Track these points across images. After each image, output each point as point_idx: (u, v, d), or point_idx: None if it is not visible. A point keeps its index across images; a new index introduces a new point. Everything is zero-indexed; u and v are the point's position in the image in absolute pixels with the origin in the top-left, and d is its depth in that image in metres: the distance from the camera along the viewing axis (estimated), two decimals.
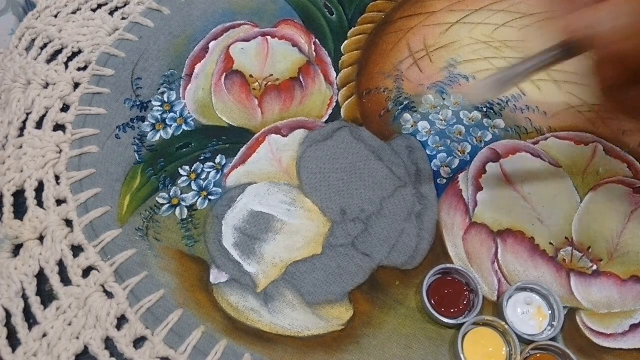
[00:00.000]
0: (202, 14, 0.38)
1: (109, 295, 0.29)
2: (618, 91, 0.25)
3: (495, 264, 0.30)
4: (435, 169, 0.33)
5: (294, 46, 0.37)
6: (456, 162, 0.33)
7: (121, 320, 0.28)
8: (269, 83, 0.36)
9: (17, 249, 0.30)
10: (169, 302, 0.29)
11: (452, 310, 0.28)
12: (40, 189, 0.32)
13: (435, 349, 0.28)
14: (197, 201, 0.32)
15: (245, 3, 0.39)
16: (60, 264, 0.30)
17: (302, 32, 0.38)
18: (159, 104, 0.35)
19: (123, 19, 0.38)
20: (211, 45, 0.37)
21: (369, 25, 0.38)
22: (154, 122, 0.34)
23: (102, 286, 0.29)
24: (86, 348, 0.28)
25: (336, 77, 0.36)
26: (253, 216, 0.31)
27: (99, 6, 0.39)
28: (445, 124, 0.34)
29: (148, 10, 0.38)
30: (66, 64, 0.36)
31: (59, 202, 0.31)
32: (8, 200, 0.31)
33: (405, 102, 0.35)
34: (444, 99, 0.35)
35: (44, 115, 0.34)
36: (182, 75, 0.36)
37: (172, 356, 0.28)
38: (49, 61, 0.36)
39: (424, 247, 0.31)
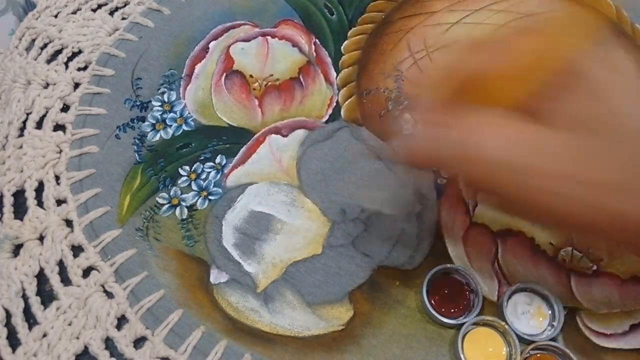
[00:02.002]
0: (202, 14, 0.38)
1: (109, 295, 0.29)
2: None
3: (495, 264, 0.30)
4: (435, 169, 0.33)
5: (294, 46, 0.37)
6: None
7: (121, 320, 0.28)
8: (269, 83, 0.36)
9: (17, 249, 0.30)
10: (169, 302, 0.29)
11: (452, 310, 0.28)
12: (40, 189, 0.32)
13: (436, 349, 0.28)
14: (197, 201, 0.32)
15: (245, 3, 0.39)
16: (60, 264, 0.30)
17: (302, 32, 0.38)
18: (159, 104, 0.35)
19: (123, 19, 0.38)
20: (211, 45, 0.37)
21: (369, 25, 0.38)
22: (154, 122, 0.34)
23: (102, 286, 0.29)
24: (86, 348, 0.28)
25: (336, 77, 0.36)
26: (253, 216, 0.31)
27: (99, 6, 0.39)
28: None
29: (148, 10, 0.38)
30: (66, 64, 0.36)
31: (59, 202, 0.31)
32: (8, 200, 0.31)
33: (405, 102, 0.35)
34: None
35: (44, 115, 0.34)
36: (182, 75, 0.36)
37: (172, 356, 0.28)
38: (49, 61, 0.36)
39: (424, 247, 0.31)
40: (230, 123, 0.34)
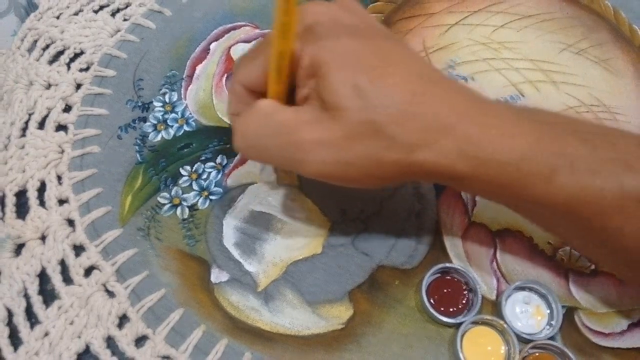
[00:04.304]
0: (203, 16, 0.38)
1: (111, 294, 0.29)
2: None
3: (494, 263, 0.31)
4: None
5: None
6: None
7: (122, 319, 0.29)
8: None
9: (19, 249, 0.30)
10: (170, 301, 0.29)
11: (451, 310, 0.29)
12: (42, 188, 0.32)
13: (435, 348, 0.28)
14: (198, 201, 0.32)
15: (246, 4, 0.39)
16: (62, 263, 0.30)
17: None
18: (161, 104, 0.35)
19: (125, 20, 0.38)
20: (212, 46, 0.37)
21: None
22: (155, 122, 0.34)
23: (104, 285, 0.29)
24: (87, 347, 0.28)
25: None
26: (253, 216, 0.31)
27: (101, 7, 0.39)
28: None
29: (149, 12, 0.38)
30: (68, 65, 0.36)
31: (61, 202, 0.32)
32: (10, 200, 0.31)
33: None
34: None
35: (46, 116, 0.34)
36: (183, 76, 0.36)
37: (173, 355, 0.28)
38: (51, 62, 0.36)
39: (423, 247, 0.31)
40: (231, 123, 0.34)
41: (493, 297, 0.30)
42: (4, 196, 0.32)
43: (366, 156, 0.23)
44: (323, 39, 0.23)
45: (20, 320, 0.28)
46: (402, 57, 0.24)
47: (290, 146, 0.24)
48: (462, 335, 0.28)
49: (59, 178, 0.32)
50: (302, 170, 0.24)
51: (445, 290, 0.29)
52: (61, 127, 0.34)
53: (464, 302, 0.29)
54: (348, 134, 0.23)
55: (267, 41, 0.25)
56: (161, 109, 0.35)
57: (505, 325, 0.28)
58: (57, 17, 0.38)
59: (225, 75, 0.36)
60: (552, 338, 0.28)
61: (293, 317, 0.29)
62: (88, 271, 0.30)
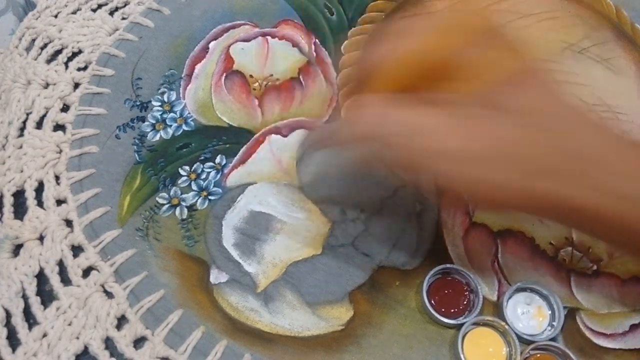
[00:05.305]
0: (202, 14, 0.38)
1: (109, 295, 0.29)
2: None
3: (495, 264, 0.30)
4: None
5: (294, 46, 0.37)
6: None
7: (121, 320, 0.28)
8: (269, 83, 0.36)
9: (17, 249, 0.30)
10: (169, 302, 0.29)
11: (452, 311, 0.28)
12: (40, 189, 0.32)
13: (436, 349, 0.28)
14: (197, 201, 0.32)
15: (245, 3, 0.39)
16: (60, 264, 0.30)
17: (302, 32, 0.38)
18: (159, 104, 0.35)
19: (123, 19, 0.38)
20: (211, 45, 0.37)
21: (369, 26, 0.38)
22: (154, 122, 0.34)
23: (102, 286, 0.29)
24: (86, 348, 0.28)
25: (336, 77, 0.36)
26: (253, 216, 0.31)
27: (99, 6, 0.39)
28: None
29: (148, 10, 0.38)
30: (66, 64, 0.36)
31: (59, 202, 0.31)
32: (8, 200, 0.31)
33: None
34: None
35: (44, 115, 0.34)
36: (182, 75, 0.36)
37: (172, 356, 0.28)
38: (49, 61, 0.36)
39: (424, 247, 0.31)
40: (230, 123, 0.34)
41: (494, 298, 0.29)
42: (1, 196, 0.32)
43: (507, 179, 0.22)
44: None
45: (18, 321, 0.28)
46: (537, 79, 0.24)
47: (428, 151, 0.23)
48: (463, 337, 0.28)
49: (57, 178, 0.32)
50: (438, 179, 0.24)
51: (446, 291, 0.29)
52: (59, 127, 0.34)
53: (465, 303, 0.29)
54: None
55: None
56: (160, 108, 0.35)
57: (506, 327, 0.27)
58: (55, 16, 0.38)
59: (225, 75, 0.36)
60: (553, 339, 0.28)
61: (293, 318, 0.29)
62: (86, 272, 0.30)
